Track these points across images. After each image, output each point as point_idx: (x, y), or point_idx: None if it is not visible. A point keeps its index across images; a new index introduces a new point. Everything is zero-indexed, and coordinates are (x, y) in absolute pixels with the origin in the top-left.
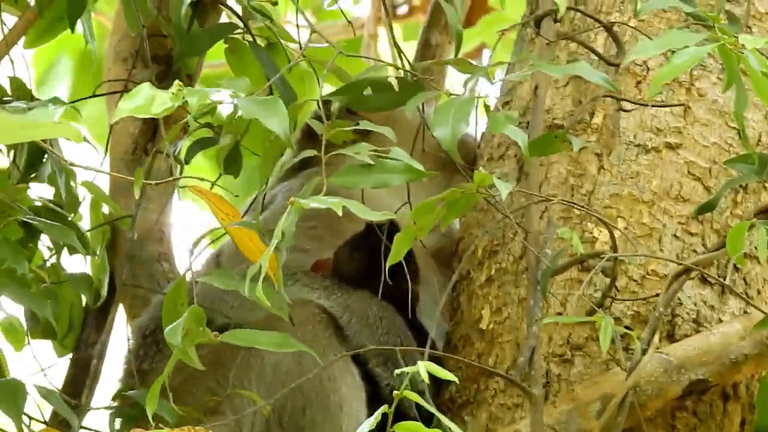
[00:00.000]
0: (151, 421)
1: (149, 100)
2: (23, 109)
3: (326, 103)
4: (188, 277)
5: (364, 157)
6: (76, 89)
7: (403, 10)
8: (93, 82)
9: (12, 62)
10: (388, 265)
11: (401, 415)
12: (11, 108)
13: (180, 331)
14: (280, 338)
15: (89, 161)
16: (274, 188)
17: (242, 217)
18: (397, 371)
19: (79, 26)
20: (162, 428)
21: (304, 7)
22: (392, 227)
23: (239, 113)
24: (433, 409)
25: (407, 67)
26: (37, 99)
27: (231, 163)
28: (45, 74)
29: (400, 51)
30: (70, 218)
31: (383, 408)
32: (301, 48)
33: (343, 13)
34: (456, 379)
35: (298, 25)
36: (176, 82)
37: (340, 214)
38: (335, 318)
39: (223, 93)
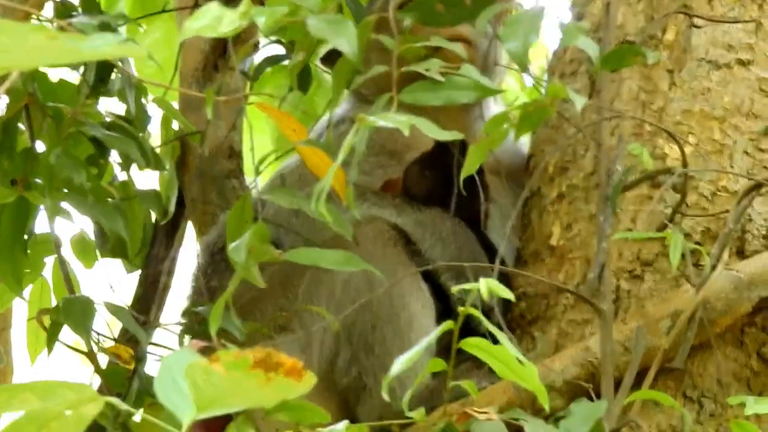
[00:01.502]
0: (213, 336)
1: (217, 19)
2: (91, 25)
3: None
4: (253, 194)
5: (434, 74)
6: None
7: None
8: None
9: None
10: (462, 176)
11: (472, 330)
12: (79, 24)
13: (244, 248)
14: (345, 256)
15: (159, 79)
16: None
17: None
18: (458, 287)
19: None
20: (228, 344)
21: None
22: (462, 146)
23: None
24: (493, 327)
25: None
26: (105, 13)
27: (301, 80)
28: None
29: None
30: (140, 135)
31: (445, 324)
32: None
33: None
34: (513, 298)
35: None
36: (245, 0)
37: (407, 133)
38: (405, 235)
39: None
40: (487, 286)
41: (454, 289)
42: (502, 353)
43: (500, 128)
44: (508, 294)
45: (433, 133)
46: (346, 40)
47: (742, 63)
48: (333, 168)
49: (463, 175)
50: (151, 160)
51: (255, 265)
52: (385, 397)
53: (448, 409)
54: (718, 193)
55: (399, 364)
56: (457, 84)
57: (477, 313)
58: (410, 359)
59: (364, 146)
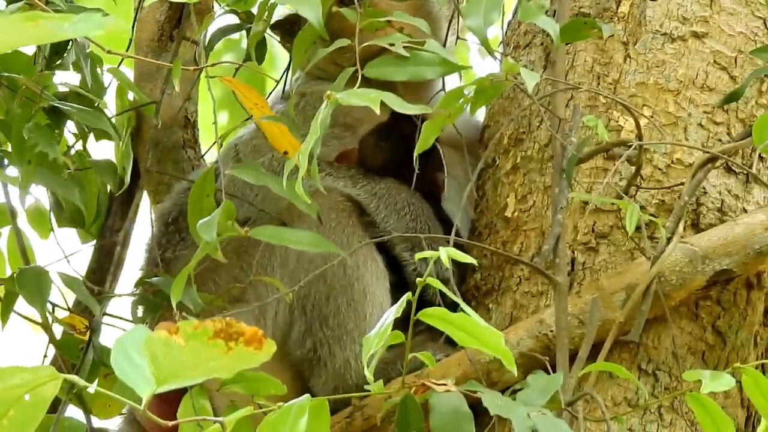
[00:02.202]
0: (175, 309)
1: None
2: (65, 11)
3: None
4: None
5: (399, 49)
6: None
7: None
8: None
9: None
10: (417, 151)
11: (425, 303)
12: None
13: (215, 226)
14: (311, 237)
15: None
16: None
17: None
18: (418, 255)
19: None
20: (185, 316)
21: None
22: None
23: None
24: (454, 296)
25: None
26: None
27: (257, 50)
28: None
29: None
30: (96, 104)
31: (407, 296)
32: None
33: None
34: (476, 264)
35: None
36: None
37: (378, 111)
38: (360, 205)
39: None
40: (448, 254)
41: (417, 256)
42: (464, 321)
43: (456, 103)
44: (470, 260)
45: (400, 107)
46: (309, 7)
47: (696, 36)
48: (305, 149)
49: (418, 150)
50: (111, 131)
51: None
52: (368, 376)
53: (405, 381)
54: (673, 165)
55: (373, 339)
56: (422, 59)
57: (437, 283)
58: (382, 334)
59: (328, 122)
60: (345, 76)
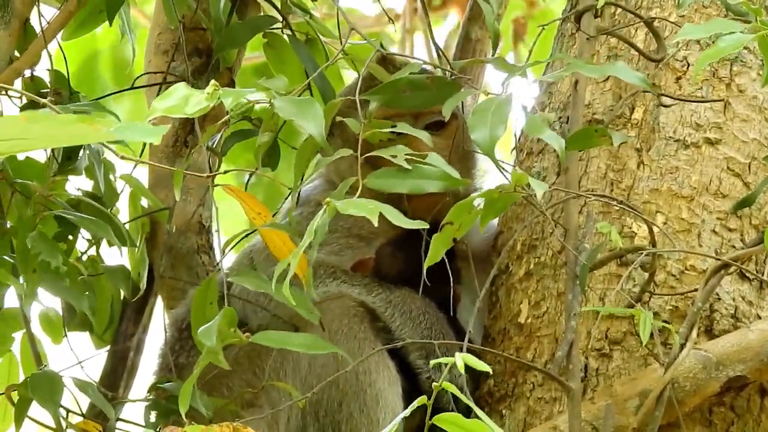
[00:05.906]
0: (183, 416)
1: (183, 99)
2: (69, 109)
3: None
4: (220, 274)
5: (401, 161)
6: (115, 83)
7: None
8: (130, 75)
9: (49, 55)
10: (426, 266)
11: (439, 410)
12: (60, 107)
13: (215, 332)
14: (311, 340)
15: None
16: None
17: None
18: (433, 361)
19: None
20: (196, 422)
21: None
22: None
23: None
24: (469, 402)
25: (445, 64)
26: (77, 92)
27: (269, 157)
28: (81, 70)
29: (439, 50)
30: (108, 211)
31: (420, 400)
32: (341, 44)
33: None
34: (490, 371)
35: (339, 22)
36: (212, 81)
37: (376, 223)
38: (372, 312)
39: (258, 93)
40: (463, 360)
41: (432, 363)
42: (479, 428)
43: (466, 214)
44: (484, 367)
45: (399, 221)
46: (312, 121)
47: (710, 142)
48: (297, 252)
49: (428, 263)
50: (121, 237)
51: (219, 348)
52: None
53: None
54: (686, 271)
55: None
56: (423, 173)
57: (452, 388)
58: None
59: (328, 229)
60: (346, 184)
